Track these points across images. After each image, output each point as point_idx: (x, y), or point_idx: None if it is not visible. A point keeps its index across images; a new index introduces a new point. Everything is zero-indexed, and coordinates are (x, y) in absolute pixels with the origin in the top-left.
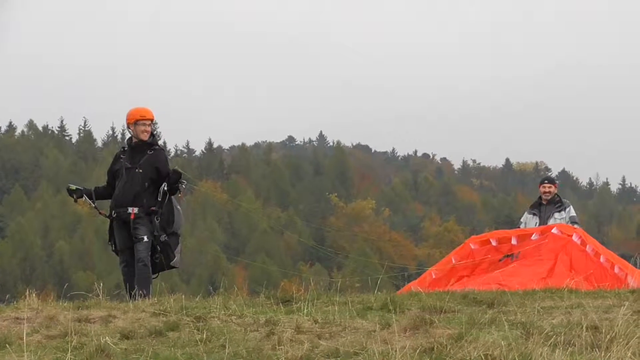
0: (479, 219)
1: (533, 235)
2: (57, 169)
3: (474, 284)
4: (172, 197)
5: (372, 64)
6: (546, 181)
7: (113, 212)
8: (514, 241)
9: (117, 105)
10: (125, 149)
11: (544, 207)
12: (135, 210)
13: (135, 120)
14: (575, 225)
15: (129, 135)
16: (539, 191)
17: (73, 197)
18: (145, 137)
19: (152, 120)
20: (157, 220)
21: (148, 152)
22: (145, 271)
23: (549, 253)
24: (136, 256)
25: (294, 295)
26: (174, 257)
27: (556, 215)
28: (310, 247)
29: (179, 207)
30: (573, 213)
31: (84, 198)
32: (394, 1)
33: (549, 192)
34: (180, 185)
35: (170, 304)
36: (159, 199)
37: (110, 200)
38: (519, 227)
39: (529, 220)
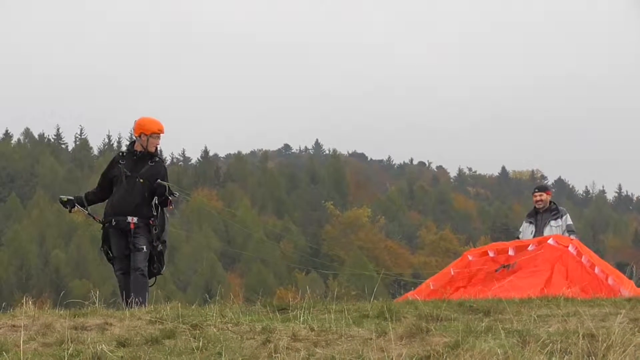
0: (474, 227)
1: (530, 246)
2: (53, 177)
3: (471, 295)
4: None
5: (367, 73)
6: (536, 190)
7: (112, 219)
8: (511, 252)
9: (113, 114)
10: (124, 154)
11: (540, 216)
12: (135, 220)
13: (152, 132)
14: (572, 235)
15: (131, 142)
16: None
17: (67, 208)
18: (154, 149)
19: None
20: (155, 230)
21: (149, 162)
22: (142, 280)
23: (545, 264)
24: (134, 265)
25: (290, 303)
26: (164, 263)
27: (552, 223)
28: (306, 255)
29: (167, 215)
30: (570, 221)
31: (76, 207)
32: (385, 7)
33: (541, 200)
34: (171, 197)
35: (167, 311)
36: (155, 210)
37: (101, 203)
38: (517, 237)
39: (525, 229)
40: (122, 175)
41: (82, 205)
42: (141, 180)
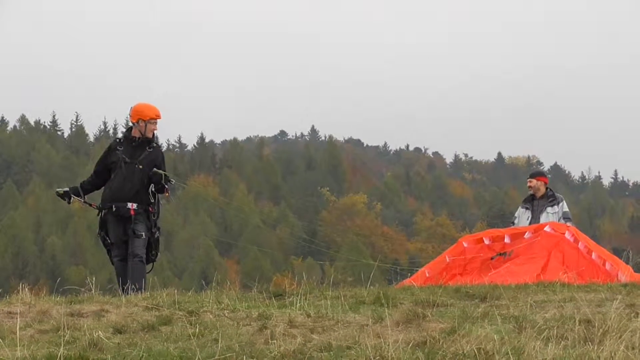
0: (471, 213)
1: (526, 234)
2: (49, 164)
3: (467, 282)
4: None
5: (363, 60)
6: (529, 176)
7: (112, 206)
8: (507, 239)
9: (109, 101)
10: (121, 141)
11: (536, 202)
12: (134, 206)
13: (150, 118)
14: (568, 222)
15: (128, 129)
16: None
17: (65, 200)
18: (151, 135)
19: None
20: (154, 217)
21: (147, 149)
22: (141, 267)
23: (541, 250)
24: (132, 251)
25: (287, 289)
26: (159, 250)
27: (548, 209)
28: (302, 242)
29: (162, 201)
30: (566, 208)
31: (73, 198)
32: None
33: (531, 186)
34: (168, 184)
35: (163, 298)
36: (152, 197)
37: (98, 191)
38: (512, 222)
39: (522, 214)
40: (120, 161)
41: (78, 195)
42: (140, 167)
